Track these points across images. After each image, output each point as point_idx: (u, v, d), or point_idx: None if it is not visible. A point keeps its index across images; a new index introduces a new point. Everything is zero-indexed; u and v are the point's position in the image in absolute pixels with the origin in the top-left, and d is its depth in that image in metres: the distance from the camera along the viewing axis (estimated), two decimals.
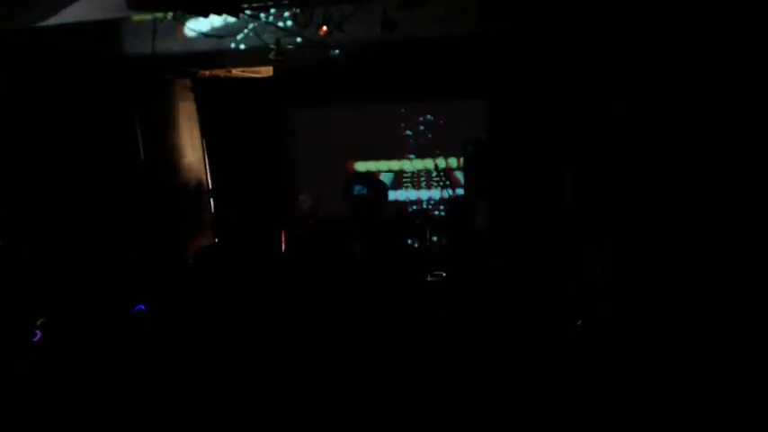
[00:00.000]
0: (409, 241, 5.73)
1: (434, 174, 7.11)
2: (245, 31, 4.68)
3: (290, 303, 4.35)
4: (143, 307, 4.12)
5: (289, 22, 4.52)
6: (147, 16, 4.49)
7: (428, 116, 7.36)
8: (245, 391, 3.50)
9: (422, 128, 7.48)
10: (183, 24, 4.70)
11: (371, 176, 6.47)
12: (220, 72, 5.86)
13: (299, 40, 4.48)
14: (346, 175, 6.60)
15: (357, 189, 5.89)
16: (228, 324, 4.08)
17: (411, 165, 7.56)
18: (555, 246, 5.04)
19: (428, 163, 7.42)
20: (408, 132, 7.51)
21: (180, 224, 5.85)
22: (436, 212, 6.46)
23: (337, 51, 4.93)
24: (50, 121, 4.67)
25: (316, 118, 7.44)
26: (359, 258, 4.99)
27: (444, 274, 4.70)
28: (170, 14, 4.46)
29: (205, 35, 4.66)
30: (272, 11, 4.39)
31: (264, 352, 3.85)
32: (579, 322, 3.99)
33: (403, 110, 7.39)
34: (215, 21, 4.62)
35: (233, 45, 4.79)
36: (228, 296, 4.18)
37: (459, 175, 5.84)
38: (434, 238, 5.78)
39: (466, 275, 4.65)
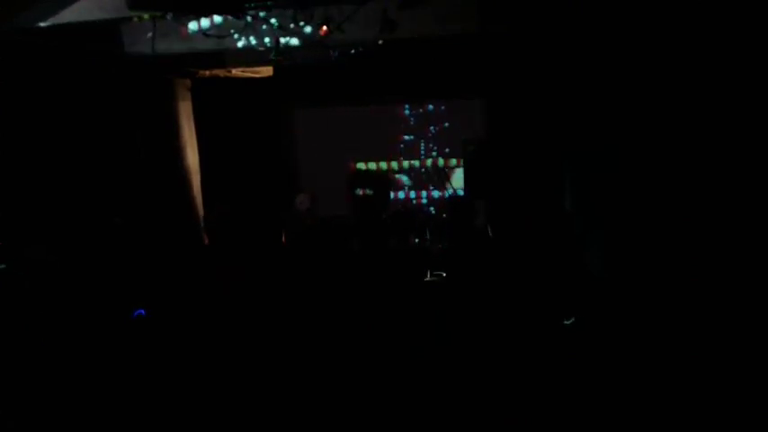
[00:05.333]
0: (409, 240, 5.74)
1: (435, 174, 7.12)
2: (246, 30, 4.68)
3: (290, 302, 4.34)
4: (143, 312, 4.11)
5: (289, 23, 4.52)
6: (147, 16, 4.49)
7: (428, 110, 7.38)
8: (245, 390, 3.50)
9: (420, 128, 7.49)
10: (184, 24, 4.69)
11: (374, 175, 6.46)
12: (220, 72, 5.86)
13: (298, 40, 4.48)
14: (349, 175, 6.59)
15: (359, 189, 5.89)
16: (228, 324, 4.08)
17: (411, 164, 7.57)
18: (554, 244, 5.05)
19: (428, 163, 7.43)
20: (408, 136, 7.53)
21: (179, 224, 5.85)
22: (440, 214, 6.46)
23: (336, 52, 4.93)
24: (50, 121, 4.66)
25: (315, 118, 7.45)
26: (358, 257, 4.99)
27: (444, 274, 4.70)
28: (170, 14, 4.46)
29: (205, 35, 4.66)
30: (273, 11, 4.39)
31: (264, 351, 3.85)
32: (570, 321, 3.98)
33: (406, 109, 7.41)
34: (215, 20, 4.62)
35: (233, 45, 4.79)
36: (227, 293, 4.17)
37: (460, 176, 5.85)
38: (434, 238, 5.78)
39: (466, 275, 4.65)
